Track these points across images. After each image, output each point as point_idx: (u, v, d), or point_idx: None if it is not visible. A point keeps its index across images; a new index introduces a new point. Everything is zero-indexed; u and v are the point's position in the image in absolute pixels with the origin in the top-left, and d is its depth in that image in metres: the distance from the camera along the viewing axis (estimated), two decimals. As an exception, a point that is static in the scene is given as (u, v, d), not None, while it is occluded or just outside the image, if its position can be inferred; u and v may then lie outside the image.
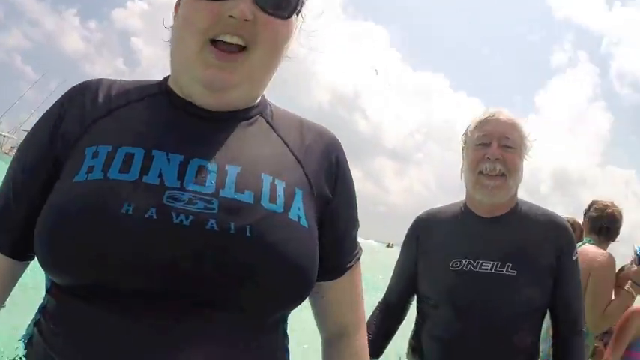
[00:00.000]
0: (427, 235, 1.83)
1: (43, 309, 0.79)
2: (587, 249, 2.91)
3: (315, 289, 0.88)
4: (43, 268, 0.74)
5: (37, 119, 0.88)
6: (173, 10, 0.89)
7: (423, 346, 1.80)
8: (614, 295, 2.88)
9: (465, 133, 1.79)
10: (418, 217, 1.91)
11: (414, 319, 1.89)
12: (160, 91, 0.89)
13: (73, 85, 0.89)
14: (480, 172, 1.67)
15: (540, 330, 1.76)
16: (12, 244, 0.83)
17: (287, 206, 0.79)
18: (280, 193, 0.79)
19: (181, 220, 0.70)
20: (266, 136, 0.88)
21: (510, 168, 1.66)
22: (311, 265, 0.80)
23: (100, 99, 0.84)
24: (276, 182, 0.80)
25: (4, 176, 0.86)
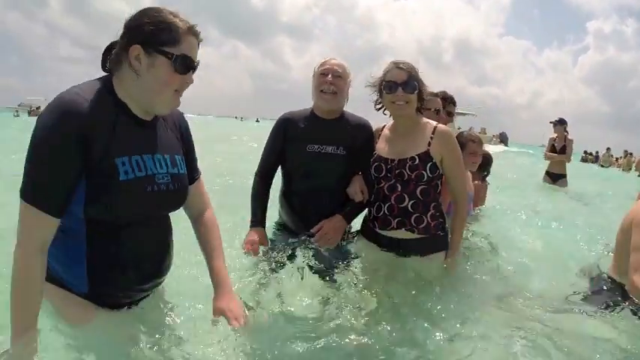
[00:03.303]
0: (290, 129, 2.74)
1: (92, 241, 1.61)
2: None
3: None
4: (103, 214, 1.56)
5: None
6: (131, 54, 1.56)
7: (287, 195, 2.81)
8: None
9: (314, 69, 2.72)
10: (283, 117, 2.80)
11: (282, 185, 2.84)
12: (118, 108, 1.59)
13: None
14: (321, 91, 2.64)
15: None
16: (61, 212, 1.53)
17: (183, 167, 1.80)
18: (180, 161, 1.79)
19: (162, 188, 1.67)
20: (167, 130, 1.78)
21: (338, 88, 2.64)
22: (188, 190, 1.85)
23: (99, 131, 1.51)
24: (177, 157, 1.78)
25: (46, 169, 1.45)
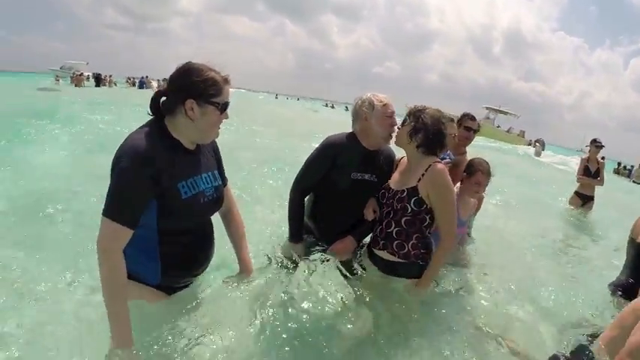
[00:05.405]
0: (337, 156, 3.00)
1: (163, 242, 2.13)
2: None
3: None
4: (171, 223, 2.12)
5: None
6: (187, 106, 2.05)
7: (317, 208, 3.15)
8: None
9: (372, 106, 2.98)
10: (332, 143, 3.06)
11: (314, 200, 3.15)
12: (173, 144, 2.10)
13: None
14: (390, 133, 2.99)
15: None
16: (135, 226, 1.99)
17: (219, 179, 2.38)
18: (217, 175, 2.36)
19: (209, 198, 2.25)
20: (206, 153, 2.30)
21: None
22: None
23: (163, 165, 2.01)
24: (215, 172, 2.35)
25: (126, 195, 1.96)
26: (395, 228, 2.91)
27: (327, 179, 3.02)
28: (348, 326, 2.76)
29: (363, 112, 3.01)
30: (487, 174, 3.67)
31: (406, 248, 2.89)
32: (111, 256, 1.96)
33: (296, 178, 3.14)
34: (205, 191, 2.23)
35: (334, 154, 3.01)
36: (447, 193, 2.87)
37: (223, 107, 2.14)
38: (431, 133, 2.86)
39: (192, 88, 2.06)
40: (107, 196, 1.98)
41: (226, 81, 2.14)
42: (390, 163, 3.17)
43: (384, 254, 2.95)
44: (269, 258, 3.14)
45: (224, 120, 2.20)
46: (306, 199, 3.18)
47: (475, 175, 3.65)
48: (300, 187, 3.12)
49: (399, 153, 3.13)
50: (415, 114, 2.90)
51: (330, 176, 3.01)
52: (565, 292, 4.06)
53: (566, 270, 5.28)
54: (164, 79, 36.93)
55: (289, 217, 3.12)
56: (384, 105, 2.99)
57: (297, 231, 3.13)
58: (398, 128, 2.98)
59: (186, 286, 2.40)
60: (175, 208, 2.09)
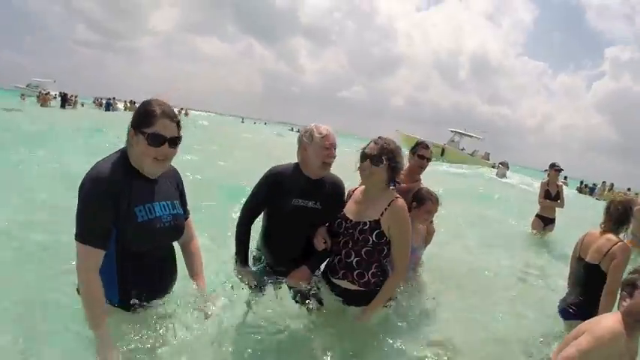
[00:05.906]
0: (279, 183, 3.13)
1: (121, 265, 2.25)
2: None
3: None
4: (128, 246, 2.22)
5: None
6: (131, 133, 2.21)
7: (267, 235, 3.28)
8: None
9: (312, 137, 3.06)
10: (275, 172, 3.19)
11: (264, 226, 3.29)
12: (132, 171, 2.24)
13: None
14: (324, 162, 3.06)
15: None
16: (106, 245, 2.17)
17: (180, 209, 2.46)
18: (177, 205, 2.45)
19: (166, 224, 2.33)
20: (167, 183, 2.43)
21: (333, 160, 3.12)
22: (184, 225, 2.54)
23: (125, 191, 2.17)
24: (175, 202, 2.44)
25: (91, 219, 2.11)
26: (355, 258, 2.99)
27: (273, 205, 3.17)
28: (310, 339, 2.94)
29: (303, 142, 3.12)
30: (436, 202, 3.89)
31: (366, 277, 2.99)
32: (86, 274, 2.15)
33: (243, 203, 3.27)
34: (162, 217, 2.33)
35: (277, 181, 3.14)
36: (407, 228, 3.02)
37: (152, 138, 2.20)
38: (399, 170, 3.05)
39: (133, 118, 2.26)
40: (76, 220, 2.14)
41: (164, 114, 2.24)
42: (338, 191, 3.27)
43: (344, 283, 3.03)
44: (230, 285, 3.20)
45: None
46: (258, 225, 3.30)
47: (425, 204, 3.85)
48: (246, 212, 3.25)
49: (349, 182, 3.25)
50: (388, 155, 2.99)
51: (275, 202, 3.14)
52: (517, 317, 4.23)
53: (521, 292, 5.40)
54: (131, 101, 37.37)
55: (236, 241, 3.23)
56: (323, 137, 3.06)
57: (243, 255, 3.23)
58: (362, 168, 3.04)
59: (145, 308, 2.42)
60: (131, 231, 2.22)
